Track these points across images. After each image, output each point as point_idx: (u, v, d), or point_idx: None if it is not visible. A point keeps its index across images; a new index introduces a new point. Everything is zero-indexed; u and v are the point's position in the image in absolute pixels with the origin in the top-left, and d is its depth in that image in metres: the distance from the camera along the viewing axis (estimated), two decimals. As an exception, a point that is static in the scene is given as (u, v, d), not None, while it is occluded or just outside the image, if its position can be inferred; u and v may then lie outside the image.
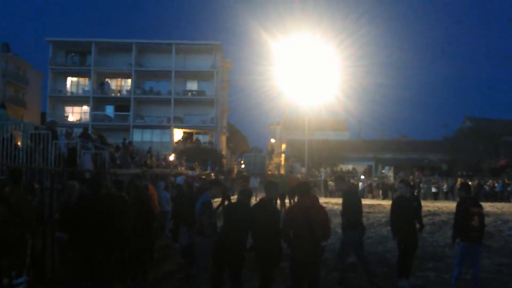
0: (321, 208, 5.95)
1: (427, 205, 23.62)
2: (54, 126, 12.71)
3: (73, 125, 37.59)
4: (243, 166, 45.16)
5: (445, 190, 31.93)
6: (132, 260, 7.26)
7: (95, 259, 6.05)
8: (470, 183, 28.69)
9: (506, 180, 32.37)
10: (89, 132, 22.64)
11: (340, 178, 10.49)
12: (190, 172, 22.11)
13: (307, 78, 38.21)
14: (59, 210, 7.09)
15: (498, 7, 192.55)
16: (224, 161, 45.11)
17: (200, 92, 47.02)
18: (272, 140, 62.60)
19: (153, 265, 8.55)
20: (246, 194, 6.71)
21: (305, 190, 6.12)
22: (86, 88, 46.84)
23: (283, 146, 47.44)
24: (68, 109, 47.06)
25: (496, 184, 32.11)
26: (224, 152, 49.01)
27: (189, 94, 47.11)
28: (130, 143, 21.51)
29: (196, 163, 30.90)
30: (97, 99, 46.04)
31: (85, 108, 46.48)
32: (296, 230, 5.72)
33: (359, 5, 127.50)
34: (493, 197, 30.64)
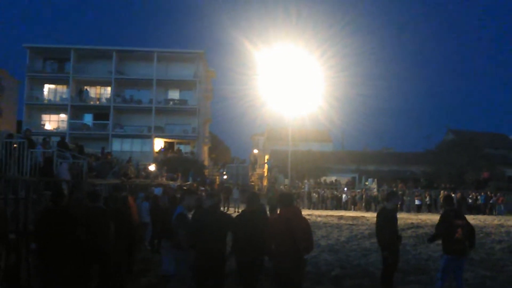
0: (303, 220, 5.86)
1: (410, 218, 23.78)
2: (29, 134, 12.40)
3: (50, 133, 37.04)
4: (225, 177, 44.88)
5: (428, 203, 32.15)
6: (109, 273, 7.02)
7: (69, 271, 5.83)
8: (453, 195, 29.04)
9: (489, 193, 32.77)
10: (67, 141, 22.20)
11: (244, 187, 9.94)
12: (171, 183, 21.85)
13: (290, 88, 38.33)
14: (35, 221, 6.82)
15: (482, 20, 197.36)
16: (206, 171, 44.80)
17: (182, 101, 46.75)
18: (255, 151, 62.50)
19: (132, 278, 8.30)
20: (214, 199, 6.47)
21: (288, 202, 6.00)
22: (64, 96, 46.14)
23: (266, 157, 47.32)
24: (45, 117, 46.27)
25: (479, 197, 32.47)
26: (206, 163, 48.70)
27: (171, 103, 46.78)
28: (109, 152, 21.18)
29: (178, 173, 30.59)
30: (76, 107, 45.36)
31: (63, 116, 45.76)
32: (279, 243, 5.63)
33: (342, 16, 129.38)
34: (476, 209, 31.01)
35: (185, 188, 17.26)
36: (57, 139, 18.78)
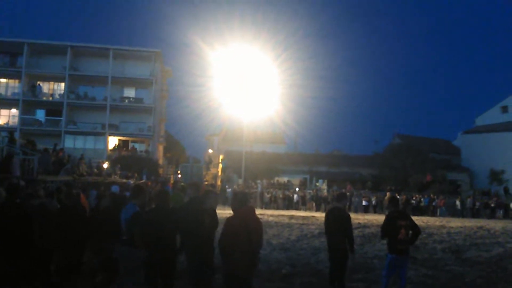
0: (257, 219, 5.89)
1: (358, 218, 24.53)
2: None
3: (0, 128, 35.67)
4: (179, 176, 44.50)
5: (373, 204, 33.26)
6: (58, 273, 6.91)
7: (20, 268, 5.75)
8: (398, 197, 30.17)
9: (432, 195, 34.30)
10: (17, 136, 21.54)
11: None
12: (126, 181, 21.63)
13: (246, 90, 38.69)
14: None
15: (434, 23, 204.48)
16: (161, 170, 44.30)
17: (137, 100, 45.97)
18: (210, 151, 62.31)
19: (83, 278, 8.22)
20: (162, 197, 6.29)
21: (244, 201, 5.98)
22: (16, 91, 44.42)
23: (221, 157, 47.39)
24: (-4, 111, 44.40)
25: (422, 199, 33.88)
26: (160, 162, 48.15)
27: (126, 101, 45.89)
28: (61, 149, 20.75)
29: (133, 172, 30.21)
30: (28, 102, 43.68)
31: (14, 111, 44.00)
32: (233, 241, 5.57)
33: (295, 20, 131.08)
34: (419, 211, 32.32)
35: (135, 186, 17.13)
36: (5, 134, 18.18)
